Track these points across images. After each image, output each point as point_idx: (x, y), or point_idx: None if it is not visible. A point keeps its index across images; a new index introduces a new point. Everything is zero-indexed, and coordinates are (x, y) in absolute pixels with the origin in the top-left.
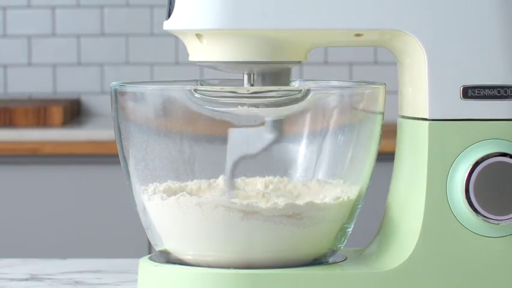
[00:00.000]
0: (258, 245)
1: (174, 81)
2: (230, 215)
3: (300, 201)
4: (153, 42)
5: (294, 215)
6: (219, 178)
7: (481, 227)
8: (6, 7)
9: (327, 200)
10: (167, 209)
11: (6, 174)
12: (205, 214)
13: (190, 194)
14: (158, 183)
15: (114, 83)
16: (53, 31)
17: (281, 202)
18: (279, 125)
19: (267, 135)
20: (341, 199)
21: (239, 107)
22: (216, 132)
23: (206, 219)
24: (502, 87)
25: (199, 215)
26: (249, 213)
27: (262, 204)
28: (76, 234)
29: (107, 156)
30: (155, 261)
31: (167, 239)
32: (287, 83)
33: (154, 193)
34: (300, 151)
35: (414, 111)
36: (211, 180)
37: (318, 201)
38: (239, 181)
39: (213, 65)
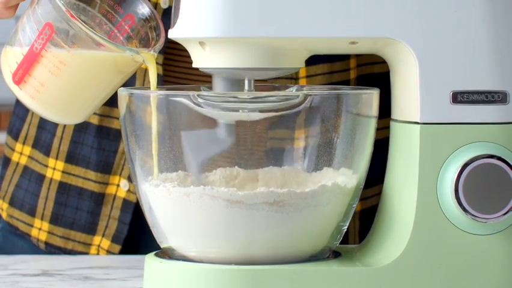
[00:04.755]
0: (254, 239)
1: (179, 86)
2: (215, 203)
3: (280, 189)
4: None
5: (275, 202)
6: (217, 170)
7: (469, 225)
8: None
9: (307, 186)
10: (161, 197)
11: None
12: (192, 203)
13: (180, 184)
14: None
15: (122, 88)
16: None
17: (262, 190)
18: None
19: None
20: (320, 184)
21: (240, 111)
22: (217, 135)
23: (193, 208)
24: (489, 92)
25: (188, 204)
26: (233, 202)
27: (244, 193)
28: None
29: None
30: (160, 258)
31: (171, 237)
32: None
33: (151, 183)
34: (297, 153)
35: (406, 115)
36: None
37: (298, 189)
38: (240, 173)
39: (215, 71)
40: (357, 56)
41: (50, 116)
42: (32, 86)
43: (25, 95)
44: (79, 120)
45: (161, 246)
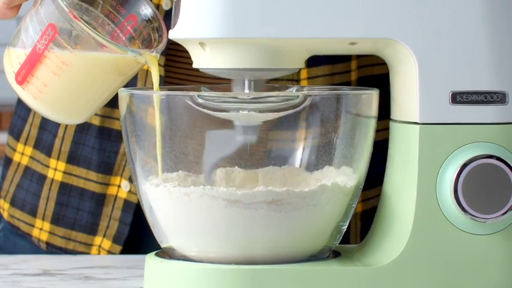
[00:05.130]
0: (254, 239)
1: (180, 86)
2: (214, 203)
3: (279, 188)
4: None
5: (273, 201)
6: (217, 170)
7: (468, 225)
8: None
9: (307, 185)
10: (161, 197)
11: None
12: (193, 203)
13: (180, 184)
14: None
15: (123, 88)
16: None
17: (260, 189)
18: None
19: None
20: (319, 184)
21: (240, 111)
22: (217, 135)
23: (193, 208)
24: (488, 92)
25: (188, 204)
26: (232, 201)
27: (242, 192)
28: None
29: None
30: (161, 258)
31: (171, 236)
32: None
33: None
34: (297, 153)
35: (406, 116)
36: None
37: (296, 188)
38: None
39: (215, 72)
40: (358, 57)
41: (53, 116)
42: (35, 87)
43: (28, 95)
44: (80, 120)
45: (162, 246)
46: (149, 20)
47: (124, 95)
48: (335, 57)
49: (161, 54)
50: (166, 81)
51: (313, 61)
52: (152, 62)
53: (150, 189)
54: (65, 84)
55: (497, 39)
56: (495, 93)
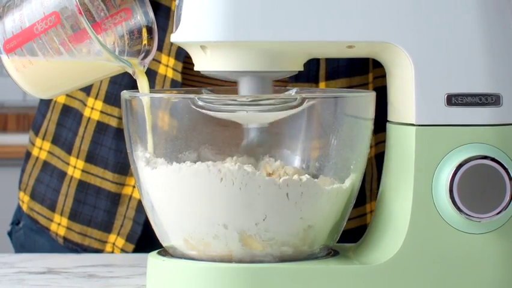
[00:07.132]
0: (254, 237)
1: (181, 89)
2: (214, 202)
3: (279, 181)
4: None
5: (272, 199)
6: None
7: (464, 225)
8: None
9: (305, 186)
10: (163, 197)
11: None
12: (193, 202)
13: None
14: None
15: (125, 91)
16: None
17: (261, 185)
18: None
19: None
20: (318, 185)
21: (239, 113)
22: (217, 136)
23: (194, 207)
24: (483, 95)
25: (188, 203)
26: (232, 200)
27: (242, 190)
28: None
29: None
30: (163, 256)
31: (173, 236)
32: None
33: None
34: (295, 154)
35: (402, 117)
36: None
37: (294, 187)
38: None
39: (216, 74)
40: (374, 68)
41: (28, 90)
42: (21, 60)
43: (11, 65)
44: (49, 98)
45: (163, 245)
46: (146, 26)
47: (127, 97)
48: (353, 71)
49: (178, 60)
50: (184, 88)
51: (332, 74)
52: (140, 73)
53: (151, 189)
54: (51, 69)
55: (492, 43)
56: (490, 95)
